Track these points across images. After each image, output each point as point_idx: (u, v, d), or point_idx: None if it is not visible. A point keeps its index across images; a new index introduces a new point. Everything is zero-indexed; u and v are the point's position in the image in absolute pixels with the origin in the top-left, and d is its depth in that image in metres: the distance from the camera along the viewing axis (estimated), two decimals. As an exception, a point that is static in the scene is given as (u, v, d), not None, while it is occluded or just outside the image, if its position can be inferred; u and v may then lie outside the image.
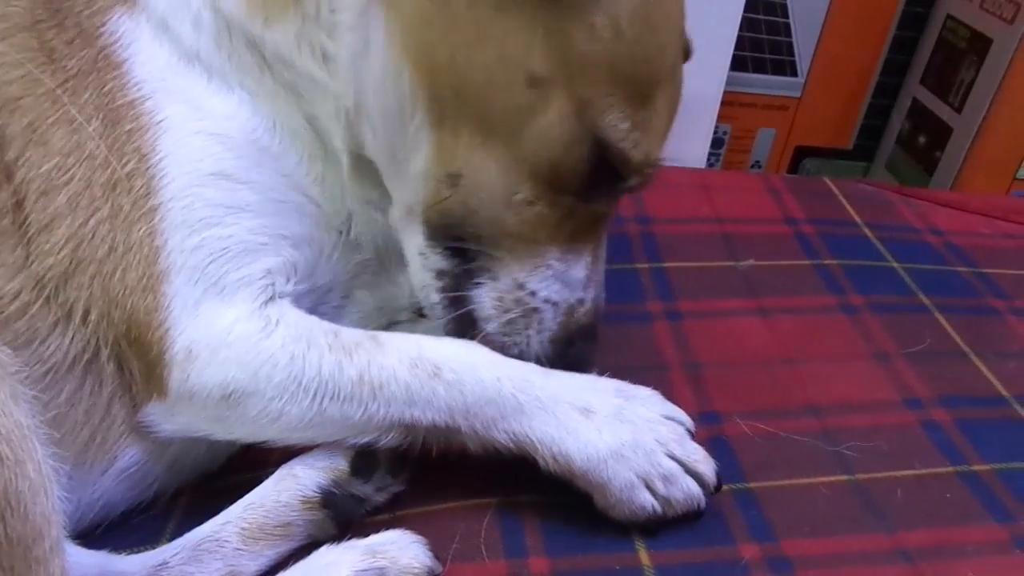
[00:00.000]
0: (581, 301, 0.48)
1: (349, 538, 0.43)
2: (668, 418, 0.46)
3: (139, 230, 0.43)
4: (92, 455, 0.44)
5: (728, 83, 0.92)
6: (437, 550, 0.43)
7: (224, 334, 0.43)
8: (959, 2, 0.90)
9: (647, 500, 0.43)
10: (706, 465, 0.45)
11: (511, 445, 0.43)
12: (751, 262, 0.69)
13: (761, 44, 0.98)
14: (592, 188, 0.44)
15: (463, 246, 0.45)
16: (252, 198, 0.45)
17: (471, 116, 0.42)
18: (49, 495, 0.34)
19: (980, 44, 0.86)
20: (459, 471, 0.46)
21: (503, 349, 0.46)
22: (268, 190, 0.45)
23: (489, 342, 0.46)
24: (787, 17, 0.96)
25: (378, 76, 0.43)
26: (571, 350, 0.48)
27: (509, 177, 0.43)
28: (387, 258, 0.51)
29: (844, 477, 0.50)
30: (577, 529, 0.45)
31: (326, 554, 0.42)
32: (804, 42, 0.98)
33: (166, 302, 0.43)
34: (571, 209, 0.45)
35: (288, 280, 0.46)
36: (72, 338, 0.43)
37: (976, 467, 0.51)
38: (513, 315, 0.46)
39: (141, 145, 0.43)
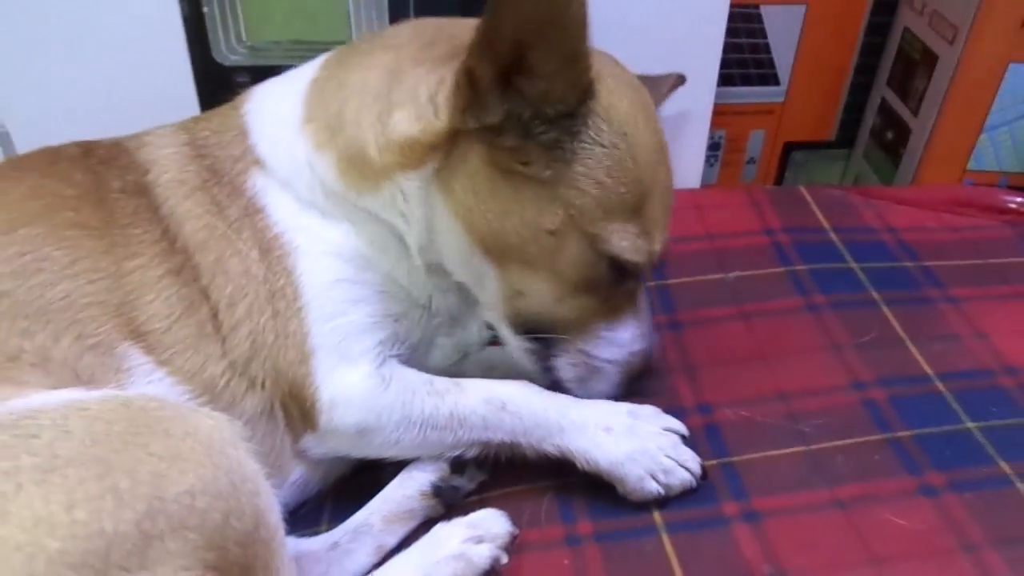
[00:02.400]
0: (634, 354, 0.66)
1: (453, 517, 0.62)
2: (666, 429, 0.65)
3: (292, 324, 0.62)
4: (275, 474, 0.64)
5: (721, 96, 1.07)
6: (515, 520, 0.62)
7: (354, 388, 0.63)
8: (913, 16, 1.04)
9: (653, 487, 0.63)
10: (693, 463, 0.65)
11: (557, 454, 0.63)
12: (736, 274, 0.86)
13: (745, 61, 1.12)
14: (618, 281, 0.63)
15: (539, 335, 0.65)
16: (363, 293, 0.64)
17: (516, 258, 0.61)
18: (274, 508, 0.54)
19: (929, 58, 1.00)
20: (524, 467, 0.66)
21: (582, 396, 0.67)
22: (374, 285, 0.65)
23: (572, 393, 0.66)
24: (765, 37, 1.11)
25: (444, 231, 0.63)
26: (634, 386, 0.68)
27: (555, 289, 0.62)
28: (458, 315, 0.71)
29: (801, 448, 0.68)
30: (610, 502, 0.64)
31: (440, 529, 0.61)
32: (782, 55, 1.12)
33: (313, 370, 0.62)
34: (607, 294, 0.64)
35: (394, 346, 0.65)
36: (256, 399, 0.63)
37: (899, 433, 0.69)
38: (584, 373, 0.66)
39: (287, 265, 0.63)
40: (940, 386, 0.73)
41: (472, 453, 0.64)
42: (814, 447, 0.68)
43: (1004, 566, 0.58)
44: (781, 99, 1.16)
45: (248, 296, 0.63)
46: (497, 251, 0.62)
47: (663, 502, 0.64)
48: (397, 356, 0.66)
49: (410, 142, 0.61)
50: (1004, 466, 0.65)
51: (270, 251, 0.63)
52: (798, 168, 1.24)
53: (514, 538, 0.61)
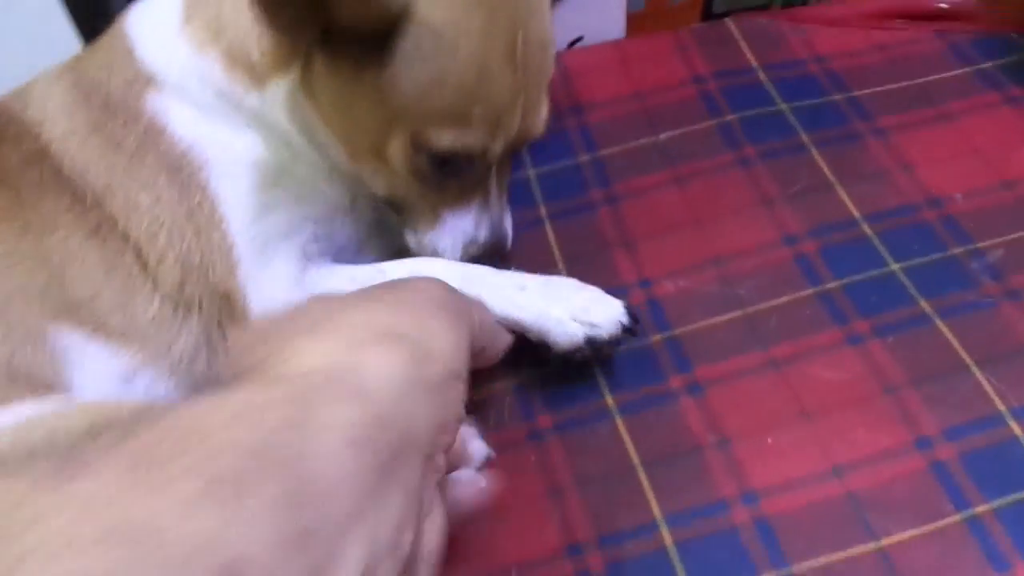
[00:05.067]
0: (473, 244, 0.68)
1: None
2: (581, 288, 0.68)
3: (215, 237, 0.64)
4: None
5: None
6: (482, 428, 0.62)
7: (278, 295, 0.65)
8: None
9: (577, 329, 0.66)
10: (617, 306, 0.67)
11: None
12: (667, 134, 0.85)
13: None
14: (454, 172, 0.63)
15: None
16: (278, 198, 0.66)
17: (365, 152, 0.64)
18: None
19: None
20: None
21: None
22: (290, 190, 0.67)
23: None
24: None
25: (318, 132, 0.65)
26: None
27: (394, 178, 0.65)
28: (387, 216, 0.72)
29: (738, 313, 0.72)
30: (565, 390, 0.69)
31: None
32: None
33: (241, 282, 0.65)
34: (450, 184, 0.65)
35: (317, 249, 0.68)
36: (194, 329, 0.66)
37: (828, 285, 0.72)
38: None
39: (199, 181, 0.64)
40: (867, 229, 0.76)
41: None
42: (748, 310, 0.72)
43: (921, 405, 0.64)
44: (702, -90, 1.08)
45: (166, 223, 0.64)
46: (351, 148, 0.64)
47: (601, 352, 0.67)
48: (322, 258, 0.68)
49: (271, 51, 0.62)
50: (924, 304, 0.70)
51: (180, 170, 0.64)
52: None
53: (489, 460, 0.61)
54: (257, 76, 0.64)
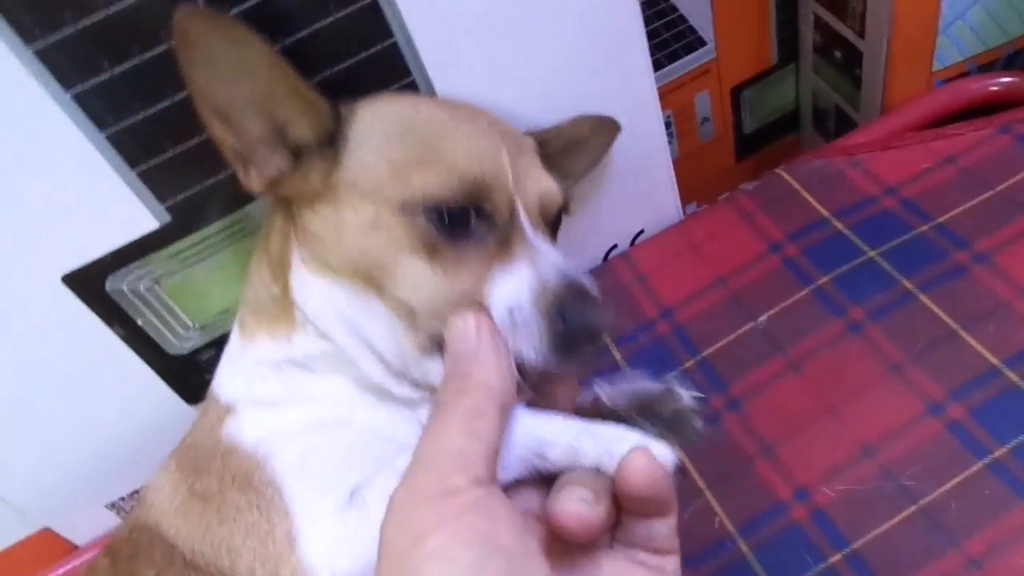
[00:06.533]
0: (543, 287, 0.56)
1: None
2: None
3: (283, 527, 0.59)
4: None
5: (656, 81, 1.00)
6: None
7: (325, 519, 0.58)
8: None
9: None
10: None
11: None
12: (765, 316, 0.83)
13: (666, 41, 1.03)
14: (461, 233, 0.57)
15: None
16: (337, 445, 0.62)
17: (374, 269, 0.59)
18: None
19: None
20: None
21: None
22: (347, 437, 0.62)
23: None
24: (676, 11, 1.01)
25: (341, 305, 0.62)
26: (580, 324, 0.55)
27: (415, 269, 0.58)
28: None
29: (912, 509, 0.67)
30: None
31: None
32: (698, 16, 1.03)
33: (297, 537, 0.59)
34: (468, 256, 0.57)
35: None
36: None
37: (996, 454, 0.69)
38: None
39: (265, 476, 0.60)
40: (1012, 376, 0.72)
41: None
42: (923, 502, 0.68)
43: (925, 375, 0.72)
44: (713, 55, 1.08)
45: (247, 537, 0.59)
46: (360, 275, 0.60)
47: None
48: None
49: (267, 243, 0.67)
50: None
51: (251, 477, 0.60)
52: (751, 105, 1.17)
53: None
54: (279, 304, 0.65)
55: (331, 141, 0.61)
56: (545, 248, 0.59)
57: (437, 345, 0.58)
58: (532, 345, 0.54)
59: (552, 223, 0.66)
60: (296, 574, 0.56)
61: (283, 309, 0.66)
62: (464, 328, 0.52)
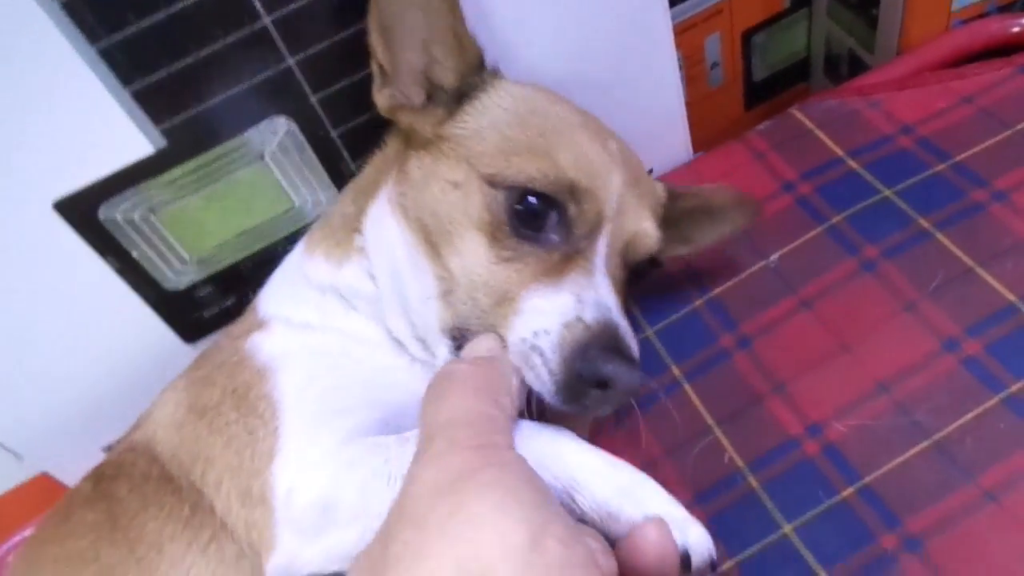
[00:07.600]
0: (578, 321, 0.54)
1: None
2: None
3: (267, 444, 0.59)
4: None
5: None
6: None
7: (309, 464, 0.58)
8: None
9: None
10: None
11: None
12: (777, 255, 0.81)
13: (678, -21, 1.00)
14: (533, 235, 0.59)
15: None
16: (346, 376, 0.63)
17: (441, 231, 0.60)
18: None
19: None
20: None
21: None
22: (358, 373, 0.63)
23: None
24: (690, -54, 0.98)
25: (393, 243, 0.64)
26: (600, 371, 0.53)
27: (474, 244, 0.59)
28: None
29: (926, 443, 0.66)
30: None
31: None
32: (712, -48, 1.00)
33: (275, 467, 0.58)
34: (538, 257, 0.58)
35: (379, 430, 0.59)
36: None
37: (1011, 388, 0.67)
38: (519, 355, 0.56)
39: (261, 392, 0.61)
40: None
41: None
42: (937, 436, 0.66)
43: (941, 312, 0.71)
44: (725, -6, 1.05)
45: (224, 449, 0.60)
46: (425, 232, 0.61)
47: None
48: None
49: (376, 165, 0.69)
50: None
51: (250, 390, 0.61)
52: (762, 52, 1.14)
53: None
54: (348, 227, 0.68)
55: (463, 97, 0.64)
56: (603, 285, 0.58)
57: (454, 334, 0.59)
58: (540, 378, 0.54)
59: (632, 272, 0.65)
60: (265, 488, 0.56)
61: (348, 232, 0.67)
62: (485, 340, 0.56)
